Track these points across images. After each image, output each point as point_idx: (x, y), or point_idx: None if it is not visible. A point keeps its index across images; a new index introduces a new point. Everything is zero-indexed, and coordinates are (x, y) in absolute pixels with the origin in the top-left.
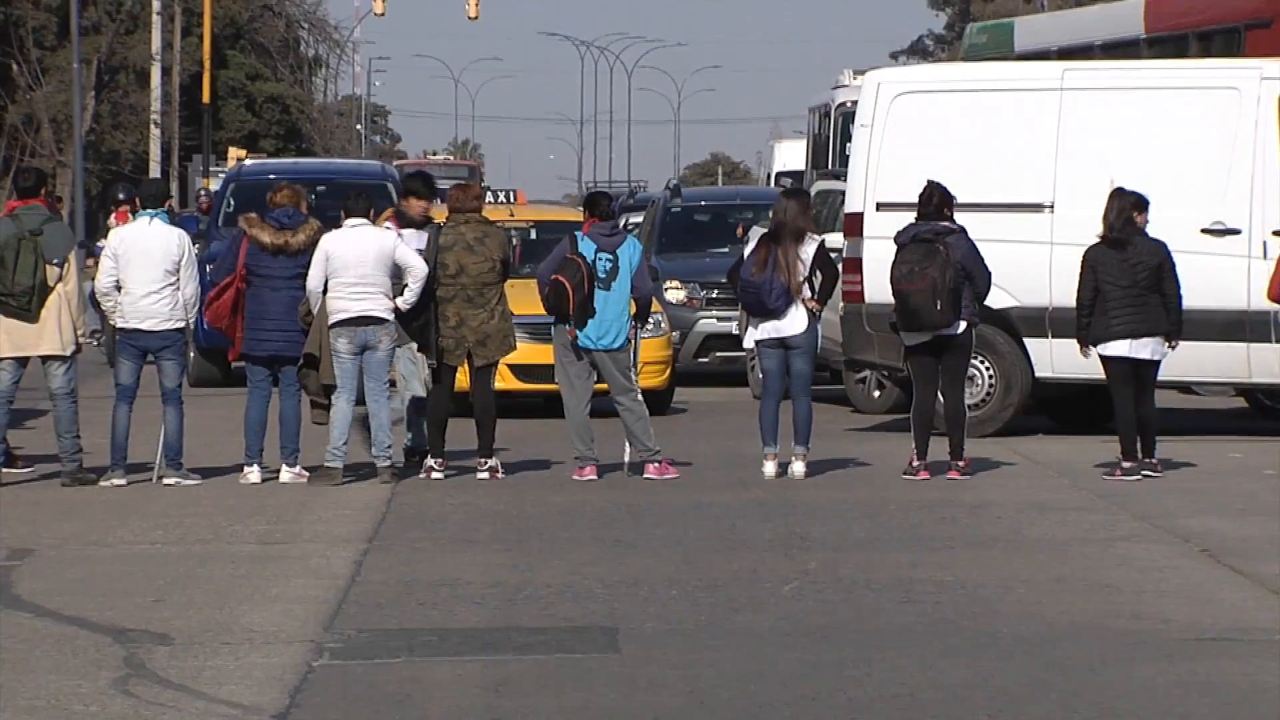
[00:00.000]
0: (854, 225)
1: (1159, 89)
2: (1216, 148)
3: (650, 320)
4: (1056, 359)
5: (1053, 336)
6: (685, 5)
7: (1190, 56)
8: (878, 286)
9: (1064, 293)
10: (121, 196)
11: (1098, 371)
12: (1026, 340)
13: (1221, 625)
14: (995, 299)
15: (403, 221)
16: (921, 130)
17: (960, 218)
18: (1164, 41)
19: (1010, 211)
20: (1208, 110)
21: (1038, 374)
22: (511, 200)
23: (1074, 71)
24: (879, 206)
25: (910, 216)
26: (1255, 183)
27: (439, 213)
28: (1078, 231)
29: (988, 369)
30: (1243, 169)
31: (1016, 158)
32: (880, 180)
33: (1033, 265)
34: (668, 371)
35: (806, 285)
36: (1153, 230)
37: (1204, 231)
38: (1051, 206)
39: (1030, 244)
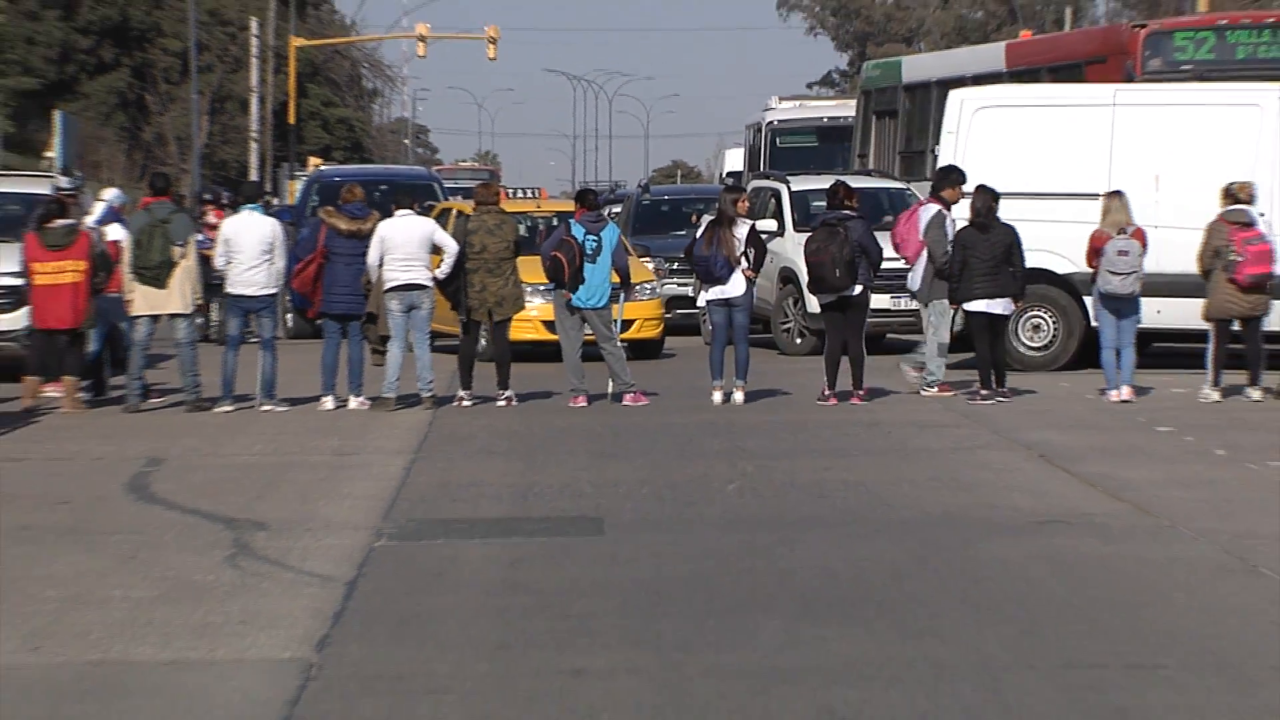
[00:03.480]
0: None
1: (1195, 105)
2: (1243, 152)
3: (647, 287)
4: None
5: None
6: (653, 46)
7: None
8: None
9: None
10: (208, 197)
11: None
12: (1085, 298)
13: (1055, 511)
14: (1060, 266)
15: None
16: (997, 136)
17: (1029, 204)
18: (1021, 74)
19: (1072, 199)
20: (1235, 122)
21: (1092, 323)
22: (536, 195)
23: (1124, 92)
24: (962, 196)
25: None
26: (1276, 179)
27: (466, 205)
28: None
29: (1053, 320)
30: (1265, 168)
31: (1077, 158)
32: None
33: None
34: (661, 326)
35: (744, 259)
36: (1192, 216)
37: None
38: None
39: (1088, 224)
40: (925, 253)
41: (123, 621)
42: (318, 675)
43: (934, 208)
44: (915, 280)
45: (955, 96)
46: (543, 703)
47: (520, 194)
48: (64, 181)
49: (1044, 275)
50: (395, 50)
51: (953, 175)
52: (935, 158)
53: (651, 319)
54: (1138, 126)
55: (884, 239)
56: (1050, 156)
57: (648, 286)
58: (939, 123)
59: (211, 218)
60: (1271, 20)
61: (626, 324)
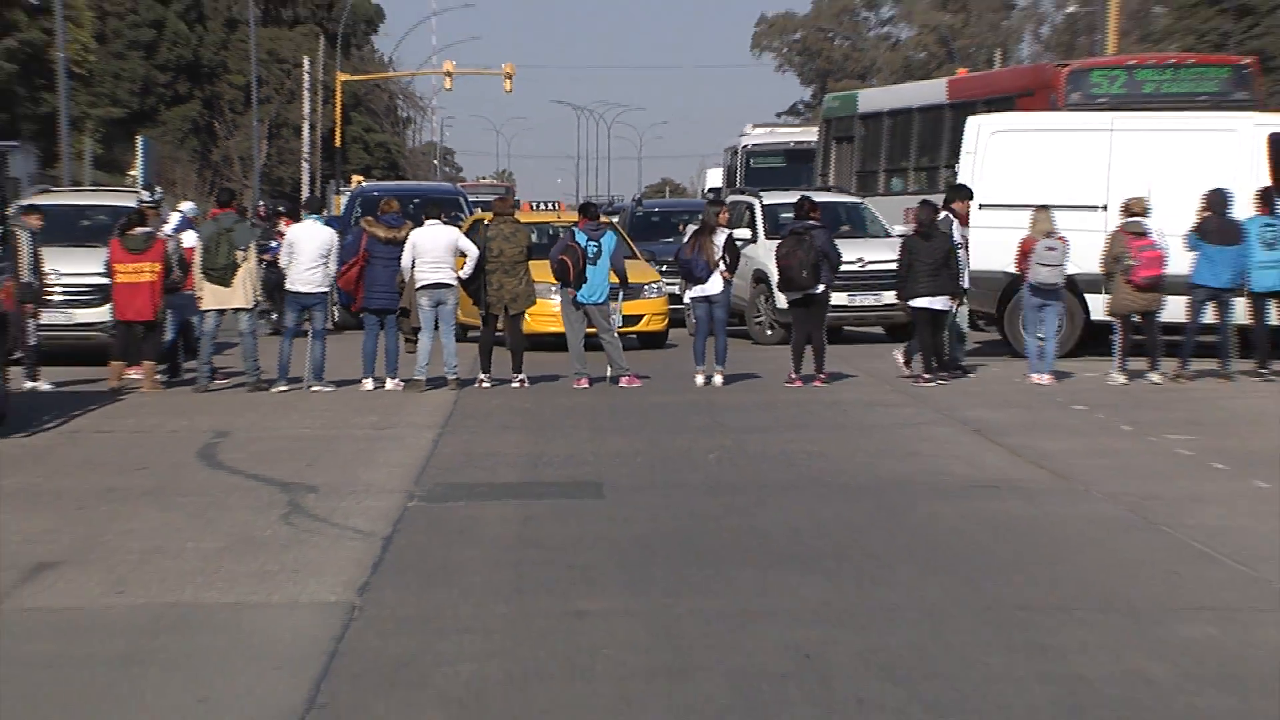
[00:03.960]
0: (964, 219)
1: (1181, 130)
2: (1222, 170)
3: (655, 286)
4: (1103, 306)
5: (1103, 292)
6: (645, 81)
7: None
8: (979, 259)
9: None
10: (281, 209)
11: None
12: (1085, 295)
13: (987, 477)
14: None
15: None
16: (1010, 155)
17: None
18: (960, 106)
19: (1076, 210)
20: (1215, 144)
21: (1091, 316)
22: (555, 208)
23: (1121, 118)
24: (981, 206)
25: (1002, 214)
26: (1249, 193)
27: (487, 214)
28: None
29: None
30: (1241, 184)
31: (1080, 173)
32: (981, 189)
33: (1090, 246)
34: (666, 320)
35: (722, 262)
36: (1180, 224)
37: None
38: (1105, 207)
39: (1089, 232)
40: None
41: (194, 569)
42: (359, 616)
43: (947, 218)
44: None
45: (973, 122)
46: (552, 640)
47: (543, 206)
48: (147, 196)
49: None
50: (426, 84)
51: (963, 191)
52: (887, 176)
53: (658, 314)
54: (1132, 147)
55: (844, 246)
56: (1056, 173)
57: (655, 286)
58: (890, 146)
59: (283, 227)
60: (1173, 61)
61: (636, 318)
